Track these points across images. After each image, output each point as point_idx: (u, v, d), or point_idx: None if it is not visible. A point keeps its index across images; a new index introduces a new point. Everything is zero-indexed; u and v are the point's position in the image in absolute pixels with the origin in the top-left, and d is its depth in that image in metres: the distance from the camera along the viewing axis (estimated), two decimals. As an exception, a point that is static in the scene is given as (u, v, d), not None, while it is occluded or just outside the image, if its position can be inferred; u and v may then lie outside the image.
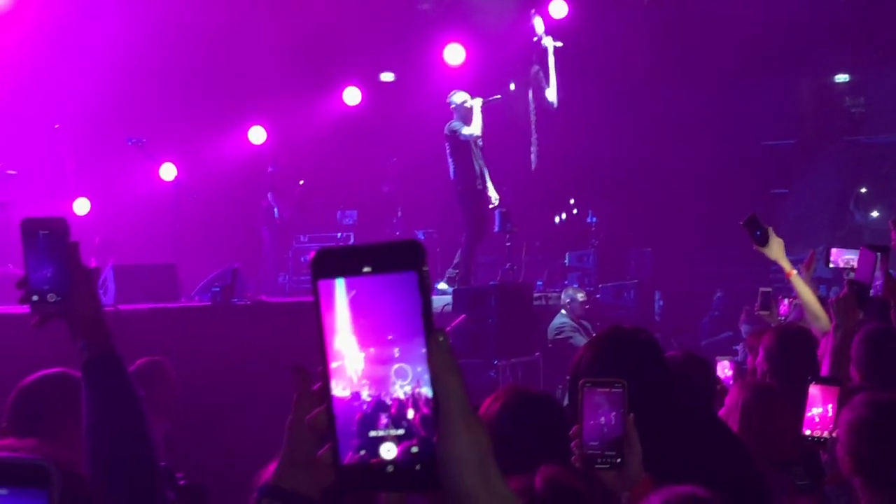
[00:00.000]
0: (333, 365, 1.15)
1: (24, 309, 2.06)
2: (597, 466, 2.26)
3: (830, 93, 19.55)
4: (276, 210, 15.16)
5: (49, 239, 2.01)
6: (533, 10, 14.49)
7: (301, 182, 15.38)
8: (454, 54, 15.71)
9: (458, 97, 12.27)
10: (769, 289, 6.71)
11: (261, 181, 15.49)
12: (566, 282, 13.95)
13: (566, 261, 14.85)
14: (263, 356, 8.38)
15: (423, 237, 15.12)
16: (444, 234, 15.14)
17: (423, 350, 1.11)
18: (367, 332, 1.14)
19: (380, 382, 1.12)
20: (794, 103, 19.39)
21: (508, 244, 12.69)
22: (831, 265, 5.15)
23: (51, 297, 2.01)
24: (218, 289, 9.05)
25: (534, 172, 15.21)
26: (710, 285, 14.79)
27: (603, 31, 16.24)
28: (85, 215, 14.43)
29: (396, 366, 1.12)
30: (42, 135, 13.53)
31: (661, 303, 14.26)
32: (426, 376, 1.12)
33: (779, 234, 5.42)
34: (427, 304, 1.12)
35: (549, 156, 15.37)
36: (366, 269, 1.13)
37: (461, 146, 12.14)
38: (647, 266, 15.07)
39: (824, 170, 18.78)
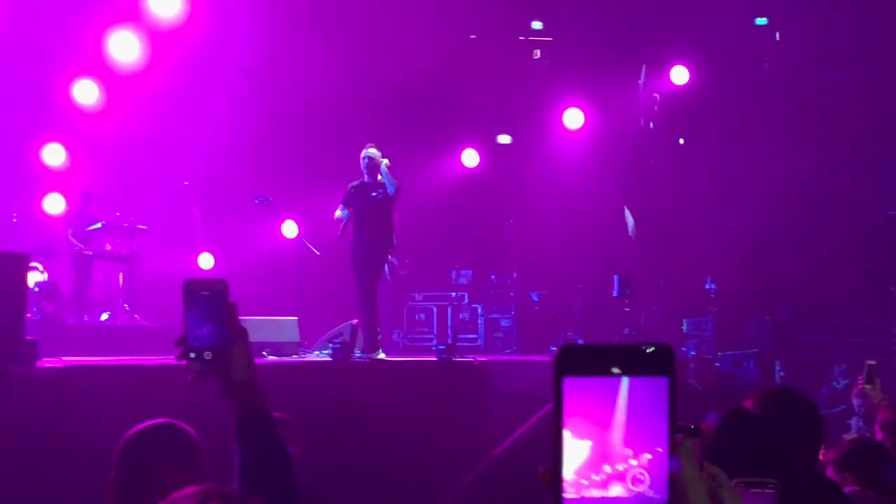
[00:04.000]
0: (566, 462, 1.13)
1: (156, 361, 2.13)
2: None
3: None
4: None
5: (209, 299, 2.07)
6: (655, 95, 14.41)
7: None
8: (573, 118, 15.79)
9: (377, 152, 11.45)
10: (873, 362, 6.50)
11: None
12: (683, 349, 13.74)
13: (684, 328, 14.64)
14: (381, 413, 8.46)
15: (537, 298, 15.11)
16: (558, 294, 15.10)
17: (665, 457, 1.10)
18: (605, 433, 1.12)
19: (615, 485, 1.11)
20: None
21: (627, 310, 12.58)
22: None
23: (207, 356, 2.07)
24: (337, 344, 9.17)
25: (652, 237, 15.10)
26: (832, 355, 14.37)
27: (726, 95, 16.12)
28: (209, 270, 14.83)
29: (635, 471, 1.11)
30: (171, 191, 13.99)
31: (782, 373, 13.91)
32: (664, 482, 1.10)
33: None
34: (674, 411, 1.11)
35: (667, 221, 15.25)
36: (615, 371, 1.12)
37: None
38: (766, 334, 14.75)
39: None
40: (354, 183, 11.40)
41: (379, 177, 11.20)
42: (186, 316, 2.05)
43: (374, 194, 11.21)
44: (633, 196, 15.20)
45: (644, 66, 14.30)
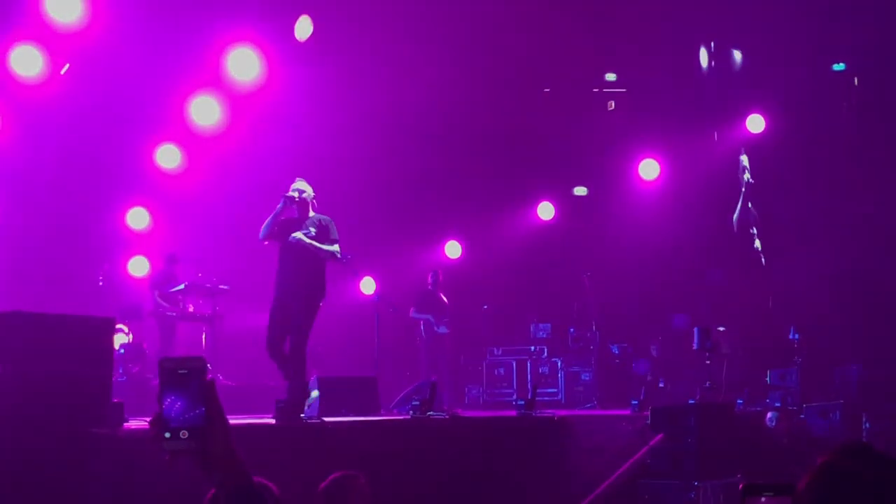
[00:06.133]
0: None
1: None
2: None
3: None
4: (422, 326, 15.01)
5: (186, 377, 2.10)
6: (743, 150, 14.26)
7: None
8: (649, 169, 15.74)
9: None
10: None
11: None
12: (768, 400, 13.47)
13: (768, 379, 14.36)
14: (460, 469, 8.44)
15: (617, 351, 14.98)
16: (639, 348, 14.95)
17: None
18: None
19: None
20: None
21: (708, 362, 12.41)
22: None
23: (183, 434, 2.09)
24: (417, 402, 9.19)
25: (730, 288, 14.91)
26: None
27: (804, 141, 15.91)
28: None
29: None
30: (251, 251, 14.20)
31: (868, 425, 13.53)
32: None
33: None
34: None
35: (747, 270, 15.03)
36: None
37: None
38: (852, 384, 14.38)
39: None
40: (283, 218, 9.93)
41: (311, 213, 9.94)
42: (161, 395, 2.08)
43: (304, 232, 9.77)
44: (712, 246, 15.02)
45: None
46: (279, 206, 9.80)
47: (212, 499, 3.14)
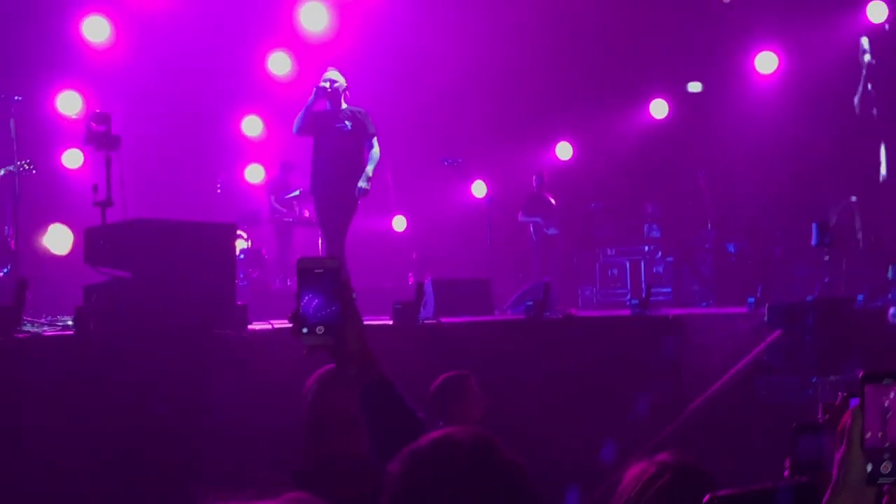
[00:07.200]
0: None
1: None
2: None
3: None
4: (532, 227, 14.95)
5: (322, 277, 2.17)
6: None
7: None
8: (766, 62, 15.27)
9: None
10: None
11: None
12: (890, 296, 13.15)
13: (889, 274, 13.99)
14: (574, 370, 8.51)
15: (733, 250, 14.76)
16: (757, 246, 14.69)
17: None
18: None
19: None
20: None
21: (827, 258, 12.15)
22: None
23: (319, 330, 2.17)
24: (531, 303, 9.24)
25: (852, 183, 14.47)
26: None
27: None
28: (402, 231, 15.19)
29: None
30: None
31: None
32: None
33: None
34: None
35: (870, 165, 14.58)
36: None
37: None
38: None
39: None
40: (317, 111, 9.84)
41: (343, 105, 9.79)
42: (300, 292, 2.16)
43: (338, 125, 9.75)
44: (836, 143, 14.52)
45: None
46: (311, 97, 9.67)
47: (322, 379, 3.28)
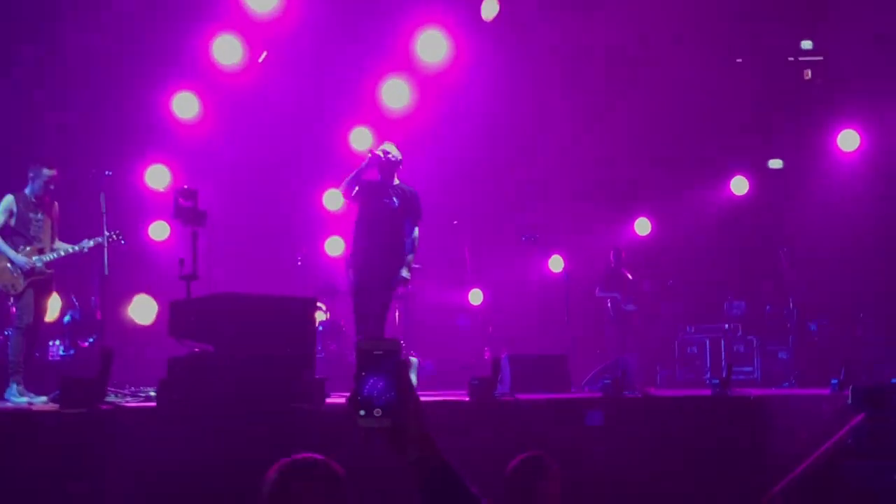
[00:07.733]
0: None
1: None
2: None
3: None
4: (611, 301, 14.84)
5: (381, 358, 2.19)
6: None
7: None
8: (849, 140, 15.14)
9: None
10: None
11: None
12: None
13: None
14: (653, 448, 8.38)
15: (815, 328, 14.49)
16: (840, 325, 14.42)
17: None
18: None
19: None
20: None
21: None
22: None
23: (377, 412, 2.17)
24: (608, 381, 9.17)
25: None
26: None
27: None
28: (479, 305, 15.21)
29: None
30: (442, 230, 14.46)
31: None
32: None
33: None
34: None
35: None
36: None
37: None
38: None
39: None
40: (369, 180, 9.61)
41: (396, 181, 9.57)
42: (358, 374, 2.17)
43: (386, 200, 9.51)
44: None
45: None
46: (363, 163, 9.51)
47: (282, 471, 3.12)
